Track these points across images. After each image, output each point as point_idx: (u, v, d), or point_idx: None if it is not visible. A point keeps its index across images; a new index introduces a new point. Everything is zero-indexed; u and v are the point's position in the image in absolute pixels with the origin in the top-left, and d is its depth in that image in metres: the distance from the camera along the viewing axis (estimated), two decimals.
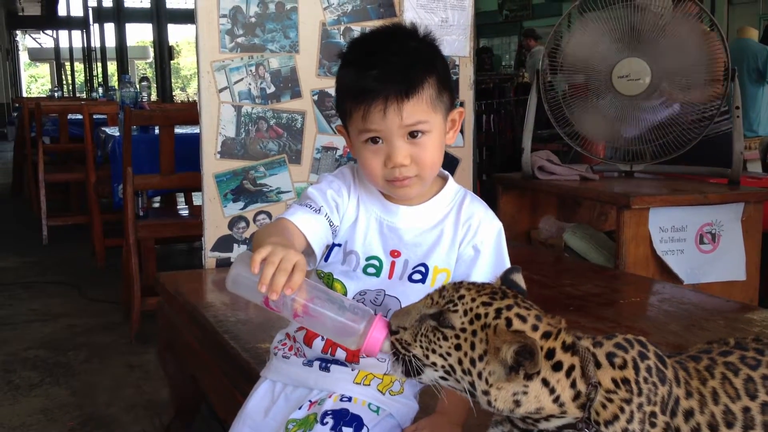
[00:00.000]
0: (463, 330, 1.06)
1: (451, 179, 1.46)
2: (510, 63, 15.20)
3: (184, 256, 5.45)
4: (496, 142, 8.47)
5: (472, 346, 1.05)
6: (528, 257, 2.96)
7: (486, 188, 4.40)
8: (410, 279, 1.40)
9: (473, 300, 1.07)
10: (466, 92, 2.96)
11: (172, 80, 16.45)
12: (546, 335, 1.05)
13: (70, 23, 22.80)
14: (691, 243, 2.78)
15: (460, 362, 1.06)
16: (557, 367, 1.04)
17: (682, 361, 1.19)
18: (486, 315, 1.05)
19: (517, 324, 1.04)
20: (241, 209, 2.76)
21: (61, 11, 23.82)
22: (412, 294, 1.36)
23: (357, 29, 2.79)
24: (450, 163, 2.94)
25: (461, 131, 2.97)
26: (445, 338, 1.07)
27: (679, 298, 2.27)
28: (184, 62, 35.96)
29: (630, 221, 2.69)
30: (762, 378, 1.16)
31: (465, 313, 1.06)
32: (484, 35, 16.77)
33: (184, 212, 4.44)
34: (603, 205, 3.15)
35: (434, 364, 1.09)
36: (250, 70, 2.71)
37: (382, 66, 1.31)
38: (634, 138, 3.06)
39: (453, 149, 2.95)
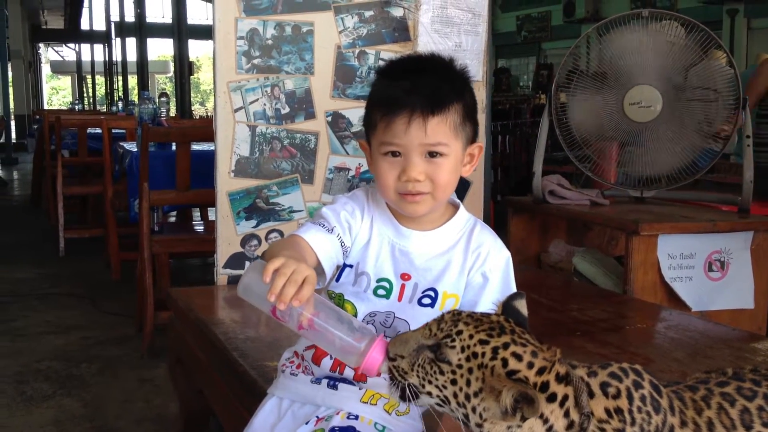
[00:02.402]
0: (460, 366, 1.08)
1: (462, 207, 1.51)
2: (528, 84, 15.25)
3: (198, 270, 5.50)
4: (511, 163, 8.51)
5: (468, 383, 1.07)
6: (537, 280, 2.98)
7: (500, 209, 4.41)
8: (419, 303, 1.43)
9: (471, 337, 1.09)
10: (479, 116, 2.97)
11: (192, 95, 16.58)
12: (541, 371, 1.07)
13: (92, 37, 23.07)
14: (699, 270, 2.79)
15: (455, 395, 1.09)
16: (551, 398, 1.06)
17: (679, 390, 1.20)
18: (483, 354, 1.07)
19: (513, 364, 1.06)
20: (254, 227, 2.79)
21: (84, 25, 24.12)
22: (421, 317, 1.39)
23: (372, 52, 2.83)
24: (462, 185, 2.97)
25: None
26: (442, 372, 1.09)
27: (685, 326, 2.28)
28: (204, 77, 36.25)
29: (638, 247, 2.70)
30: (758, 409, 1.18)
31: (462, 349, 1.08)
32: (502, 56, 16.83)
33: (199, 227, 4.49)
34: (613, 230, 3.16)
35: (430, 393, 1.11)
36: (266, 91, 2.75)
37: (414, 80, 1.37)
38: (645, 164, 3.08)
39: None
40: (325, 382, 1.42)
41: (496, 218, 3.85)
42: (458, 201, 1.51)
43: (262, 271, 1.18)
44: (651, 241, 2.72)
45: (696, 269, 2.78)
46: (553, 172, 3.69)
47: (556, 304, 2.56)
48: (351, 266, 1.45)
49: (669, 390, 1.18)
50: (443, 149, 1.36)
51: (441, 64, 1.43)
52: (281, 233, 2.80)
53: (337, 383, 1.41)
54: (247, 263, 2.79)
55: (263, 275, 1.18)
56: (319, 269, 1.38)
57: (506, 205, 3.49)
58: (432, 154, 1.36)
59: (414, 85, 1.35)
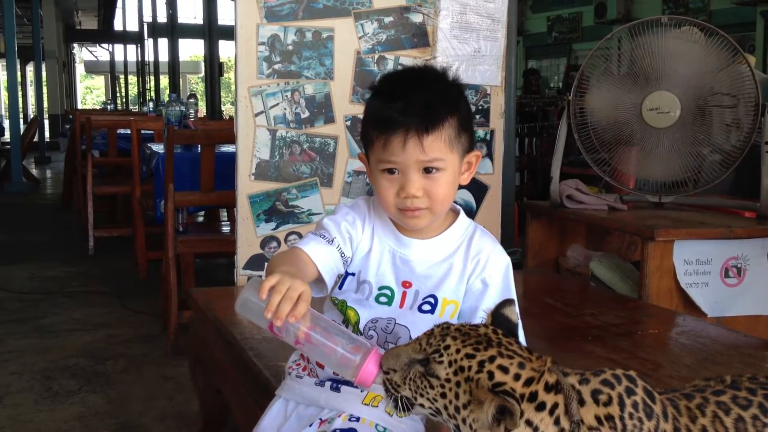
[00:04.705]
0: (448, 380, 1.11)
1: (462, 214, 1.53)
2: (558, 85, 15.18)
3: (224, 270, 5.55)
4: (537, 165, 8.50)
5: (457, 396, 1.10)
6: (554, 285, 2.99)
7: (524, 210, 4.42)
8: (420, 309, 1.46)
9: (458, 351, 1.11)
10: (497, 120, 3.01)
11: (223, 94, 16.71)
12: (528, 381, 1.09)
13: (125, 38, 23.36)
14: (716, 276, 2.78)
15: (445, 408, 1.12)
16: (540, 407, 1.08)
17: (674, 398, 1.22)
18: (469, 368, 1.10)
19: (499, 376, 1.08)
20: (273, 229, 2.84)
21: (117, 26, 24.44)
22: (421, 324, 1.43)
23: (391, 58, 2.87)
24: (479, 189, 3.00)
25: (491, 158, 3.02)
26: (431, 386, 1.13)
27: (698, 332, 2.29)
28: None
29: (654, 253, 2.71)
30: (752, 418, 1.19)
31: (449, 364, 1.11)
32: (533, 57, 16.80)
33: (226, 228, 4.55)
34: (631, 235, 3.17)
35: (422, 405, 1.15)
36: (286, 96, 2.80)
37: (407, 100, 1.39)
38: (663, 170, 3.08)
39: (483, 176, 3.00)
40: (328, 384, 1.45)
41: (521, 219, 3.86)
42: (459, 207, 1.53)
43: (259, 288, 1.22)
44: (667, 246, 2.73)
45: (712, 275, 2.78)
46: (577, 175, 3.69)
47: (571, 308, 2.58)
48: (353, 274, 1.49)
49: (664, 397, 1.20)
50: (440, 164, 1.39)
51: (433, 78, 1.45)
52: (300, 235, 2.84)
53: (339, 386, 1.44)
54: (266, 264, 2.83)
55: (260, 292, 1.22)
56: (320, 279, 1.42)
57: (525, 209, 3.51)
58: (429, 170, 1.39)
59: (407, 105, 1.37)
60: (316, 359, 1.40)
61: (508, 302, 1.22)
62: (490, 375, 1.09)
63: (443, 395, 1.12)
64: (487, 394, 1.07)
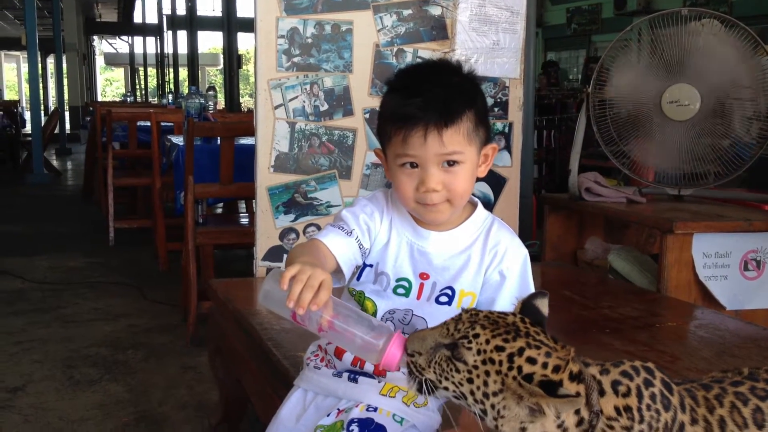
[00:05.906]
0: (476, 367, 1.12)
1: (480, 206, 1.54)
2: (577, 77, 15.10)
3: (242, 261, 5.59)
4: (555, 158, 8.47)
5: (485, 383, 1.11)
6: (572, 277, 2.99)
7: (542, 203, 4.41)
8: (437, 301, 1.48)
9: (487, 342, 1.12)
10: (516, 113, 3.01)
11: (242, 86, 16.76)
12: (555, 369, 1.10)
13: (144, 30, 23.46)
14: (735, 269, 2.78)
15: (472, 393, 1.13)
16: None
17: (692, 389, 1.23)
18: (500, 363, 1.10)
19: (527, 369, 1.09)
20: (292, 221, 2.87)
21: (137, 18, 24.56)
22: (438, 315, 1.44)
23: (410, 51, 2.88)
24: (497, 182, 3.00)
25: (509, 150, 3.03)
26: (458, 371, 1.13)
27: (716, 325, 2.28)
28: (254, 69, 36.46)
29: (673, 246, 2.70)
30: None
31: (478, 352, 1.12)
32: (552, 48, 16.70)
33: (245, 219, 4.58)
34: (650, 227, 3.16)
35: (446, 388, 1.16)
36: (305, 89, 2.82)
37: (425, 95, 1.40)
38: (682, 162, 3.07)
39: (501, 168, 3.00)
40: (346, 375, 1.47)
41: (539, 212, 3.86)
42: (476, 200, 1.54)
43: (280, 279, 1.24)
44: (686, 239, 2.72)
45: (731, 268, 2.77)
46: (596, 168, 3.68)
47: (589, 301, 2.58)
48: (371, 266, 1.51)
49: (682, 388, 1.21)
50: (459, 157, 1.40)
51: (450, 72, 1.46)
52: (318, 227, 2.86)
53: (357, 376, 1.46)
54: (285, 256, 2.85)
55: (281, 282, 1.23)
56: (338, 270, 1.44)
57: (543, 201, 3.50)
58: (448, 163, 1.40)
59: (426, 101, 1.38)
60: (339, 345, 1.42)
61: (540, 294, 1.22)
62: (520, 370, 1.09)
63: (470, 381, 1.12)
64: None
